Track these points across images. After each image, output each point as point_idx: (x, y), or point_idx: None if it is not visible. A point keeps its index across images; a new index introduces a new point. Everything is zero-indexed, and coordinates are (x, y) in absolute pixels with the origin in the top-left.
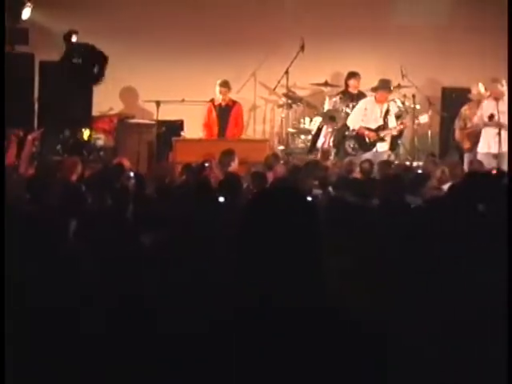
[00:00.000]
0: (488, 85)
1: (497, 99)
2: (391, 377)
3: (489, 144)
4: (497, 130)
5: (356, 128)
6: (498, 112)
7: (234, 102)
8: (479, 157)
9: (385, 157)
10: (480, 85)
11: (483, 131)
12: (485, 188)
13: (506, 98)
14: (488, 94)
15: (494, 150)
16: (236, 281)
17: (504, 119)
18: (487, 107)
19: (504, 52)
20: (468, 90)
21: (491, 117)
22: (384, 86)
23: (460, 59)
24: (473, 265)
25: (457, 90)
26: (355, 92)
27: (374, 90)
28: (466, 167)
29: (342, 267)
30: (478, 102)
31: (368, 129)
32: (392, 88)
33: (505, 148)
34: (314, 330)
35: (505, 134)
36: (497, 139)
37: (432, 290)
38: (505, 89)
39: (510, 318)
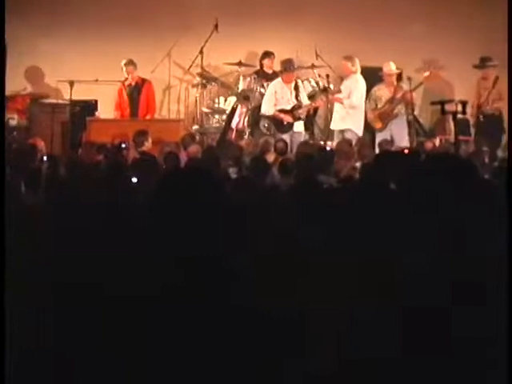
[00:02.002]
0: (339, 62)
1: (345, 76)
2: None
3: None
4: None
5: (271, 113)
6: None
7: (144, 80)
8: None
9: (301, 136)
10: (391, 64)
11: (336, 108)
12: (397, 167)
13: (353, 75)
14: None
15: (341, 127)
16: (146, 260)
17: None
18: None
19: (408, 33)
20: (379, 69)
21: (338, 91)
22: (287, 66)
23: (374, 39)
24: (386, 243)
25: (368, 69)
26: (270, 72)
27: (280, 72)
28: (377, 146)
29: (251, 248)
30: (390, 82)
31: (283, 111)
32: (296, 67)
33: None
34: (214, 311)
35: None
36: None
37: (343, 271)
38: (356, 68)
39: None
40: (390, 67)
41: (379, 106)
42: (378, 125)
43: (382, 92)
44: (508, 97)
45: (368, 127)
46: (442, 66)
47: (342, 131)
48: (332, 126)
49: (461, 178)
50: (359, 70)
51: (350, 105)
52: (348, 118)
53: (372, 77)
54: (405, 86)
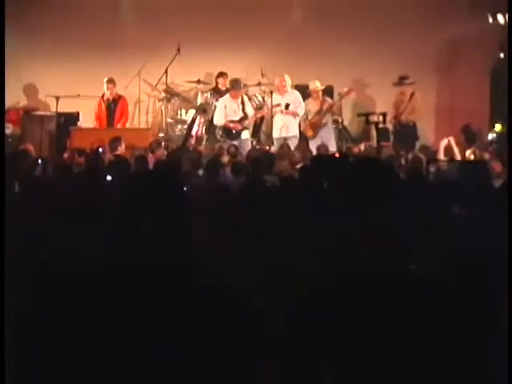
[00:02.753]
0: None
1: (283, 92)
2: None
3: (280, 130)
4: (289, 117)
5: (222, 124)
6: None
7: (120, 96)
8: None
9: (248, 143)
10: (316, 82)
11: (276, 119)
12: (329, 168)
13: (291, 90)
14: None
15: (285, 135)
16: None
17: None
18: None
19: (353, 51)
20: (306, 87)
21: (287, 106)
22: (235, 85)
23: (311, 60)
24: (323, 238)
25: (301, 86)
26: (223, 89)
27: (228, 90)
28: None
29: (208, 235)
30: (317, 97)
31: (232, 121)
32: (242, 85)
33: (293, 132)
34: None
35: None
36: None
37: (288, 266)
38: (289, 84)
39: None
40: (316, 84)
41: (310, 117)
42: (310, 133)
43: (311, 106)
44: (508, 100)
45: (301, 135)
46: (367, 83)
47: (285, 138)
48: (275, 135)
49: (382, 177)
50: (290, 86)
51: (295, 114)
52: (291, 126)
53: (303, 93)
54: (329, 99)
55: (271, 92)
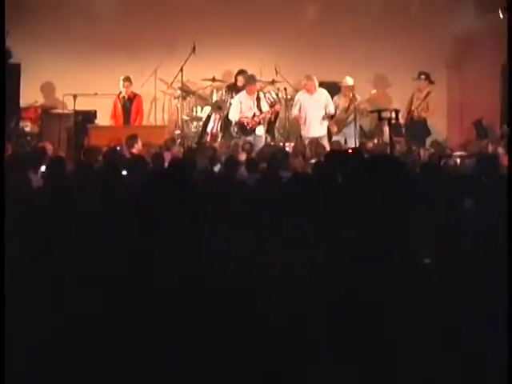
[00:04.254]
0: (297, 78)
1: (309, 92)
2: None
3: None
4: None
5: (236, 119)
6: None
7: (135, 95)
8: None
9: (263, 139)
10: (347, 78)
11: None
12: (342, 163)
13: (318, 89)
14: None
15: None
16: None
17: (310, 110)
18: (302, 99)
19: (366, 48)
20: (338, 83)
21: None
22: (250, 81)
23: (326, 58)
24: (336, 232)
25: (329, 83)
26: (241, 85)
27: (244, 86)
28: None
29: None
30: (347, 93)
31: (246, 117)
32: (256, 80)
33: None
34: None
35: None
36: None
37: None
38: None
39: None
40: (347, 81)
41: (337, 113)
42: (334, 129)
43: (340, 101)
44: (508, 99)
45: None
46: (382, 80)
47: (317, 137)
48: (311, 134)
49: (394, 172)
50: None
51: (329, 114)
52: (323, 125)
53: (330, 89)
54: (358, 97)
55: (285, 89)
